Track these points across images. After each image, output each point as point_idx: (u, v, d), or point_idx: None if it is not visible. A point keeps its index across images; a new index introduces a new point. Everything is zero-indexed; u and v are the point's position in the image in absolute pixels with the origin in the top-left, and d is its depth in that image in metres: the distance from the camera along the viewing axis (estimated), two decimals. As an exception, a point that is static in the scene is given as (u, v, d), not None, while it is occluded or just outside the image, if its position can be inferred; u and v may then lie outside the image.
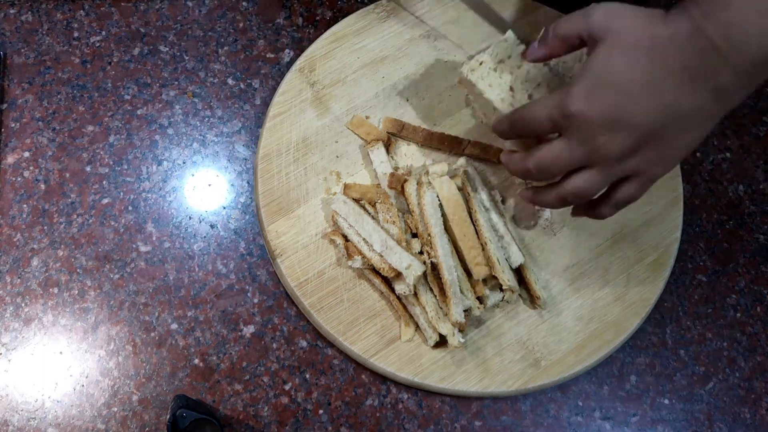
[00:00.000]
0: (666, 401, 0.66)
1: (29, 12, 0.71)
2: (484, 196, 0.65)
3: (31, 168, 0.67)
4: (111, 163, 0.68)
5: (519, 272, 0.64)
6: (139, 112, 0.69)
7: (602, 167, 0.49)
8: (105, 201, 0.66)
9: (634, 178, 0.51)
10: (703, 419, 0.66)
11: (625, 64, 0.46)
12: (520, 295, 0.65)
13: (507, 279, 0.61)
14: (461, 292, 0.61)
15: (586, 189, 0.51)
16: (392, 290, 0.62)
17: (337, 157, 0.67)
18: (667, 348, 0.67)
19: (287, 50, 0.73)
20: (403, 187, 0.64)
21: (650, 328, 0.68)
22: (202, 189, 0.68)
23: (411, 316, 0.62)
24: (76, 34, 0.71)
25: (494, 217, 0.64)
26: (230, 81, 0.71)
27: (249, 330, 0.64)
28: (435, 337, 0.61)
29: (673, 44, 0.45)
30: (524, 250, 0.65)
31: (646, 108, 0.46)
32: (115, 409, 0.61)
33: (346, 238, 0.63)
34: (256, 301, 0.65)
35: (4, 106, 0.68)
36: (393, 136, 0.68)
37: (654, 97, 0.46)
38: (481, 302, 0.62)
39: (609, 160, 0.49)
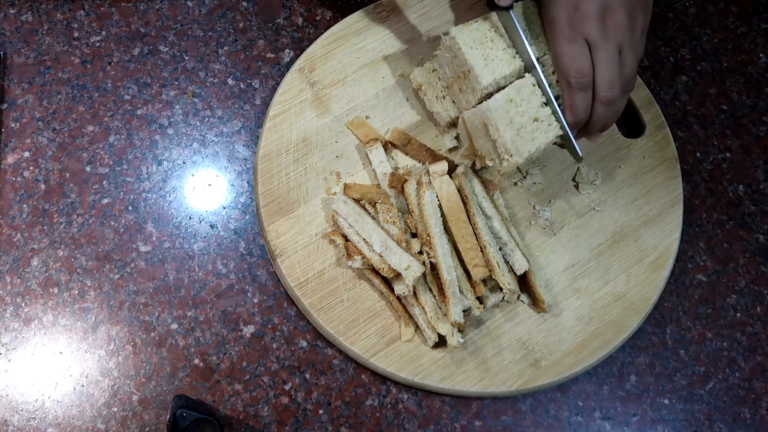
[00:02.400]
0: (666, 401, 0.66)
1: (29, 12, 0.71)
2: (484, 203, 0.64)
3: (31, 168, 0.67)
4: (111, 163, 0.68)
5: (523, 275, 0.64)
6: (139, 112, 0.69)
7: (607, 41, 0.56)
8: (105, 201, 0.66)
9: (625, 50, 0.57)
10: (703, 419, 0.66)
11: None
12: (521, 299, 0.64)
13: (507, 282, 0.61)
14: (461, 292, 0.61)
15: (613, 66, 0.56)
16: (392, 290, 0.62)
17: (337, 157, 0.67)
18: (667, 348, 0.67)
19: (287, 50, 0.73)
20: (403, 186, 0.64)
21: (650, 328, 0.68)
22: (202, 189, 0.68)
23: (411, 317, 0.62)
24: (76, 34, 0.71)
25: (496, 224, 0.64)
26: (230, 81, 0.71)
27: (249, 330, 0.64)
28: (434, 338, 0.61)
29: None
30: (525, 250, 0.65)
31: None
32: (115, 409, 0.61)
33: (346, 238, 0.63)
34: (256, 301, 0.65)
35: (4, 106, 0.68)
36: (395, 147, 0.68)
37: None
38: (480, 302, 0.62)
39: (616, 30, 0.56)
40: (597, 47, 0.56)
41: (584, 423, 0.64)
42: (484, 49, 0.61)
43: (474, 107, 0.62)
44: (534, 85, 0.60)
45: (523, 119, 0.59)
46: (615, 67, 0.56)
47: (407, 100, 0.70)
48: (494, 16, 0.61)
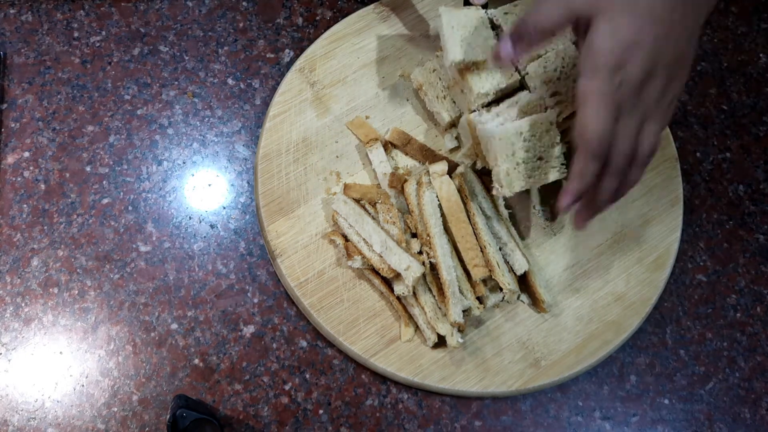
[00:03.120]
0: (666, 401, 0.66)
1: (29, 12, 0.71)
2: (484, 203, 0.64)
3: (31, 168, 0.67)
4: (111, 163, 0.68)
5: (523, 275, 0.64)
6: (139, 112, 0.69)
7: (633, 107, 0.50)
8: (105, 201, 0.66)
9: (652, 119, 0.51)
10: (703, 419, 0.66)
11: (633, 24, 0.48)
12: (521, 299, 0.64)
13: (507, 282, 0.61)
14: (461, 292, 0.61)
15: (633, 137, 0.51)
16: (392, 290, 0.62)
17: (337, 157, 0.67)
18: (667, 348, 0.67)
19: (287, 50, 0.73)
20: (403, 186, 0.64)
21: (650, 328, 0.68)
22: (202, 189, 0.68)
23: (411, 317, 0.62)
24: (76, 34, 0.71)
25: (496, 224, 0.64)
26: (230, 81, 0.71)
27: (249, 330, 0.64)
28: (434, 338, 0.61)
29: None
30: (525, 250, 0.65)
31: (673, 43, 0.50)
32: (115, 409, 0.61)
33: (346, 238, 0.63)
34: (256, 301, 0.65)
35: (4, 106, 0.68)
36: (394, 147, 0.68)
37: (671, 36, 0.49)
38: (480, 302, 0.62)
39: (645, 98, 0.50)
40: (623, 114, 0.49)
41: (584, 423, 0.64)
42: (464, 32, 0.61)
43: (474, 111, 0.62)
44: (552, 124, 0.58)
45: (527, 155, 0.58)
46: (634, 138, 0.50)
47: (407, 100, 0.70)
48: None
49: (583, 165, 0.51)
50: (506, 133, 0.57)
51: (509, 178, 0.58)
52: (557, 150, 0.58)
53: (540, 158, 0.58)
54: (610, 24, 0.48)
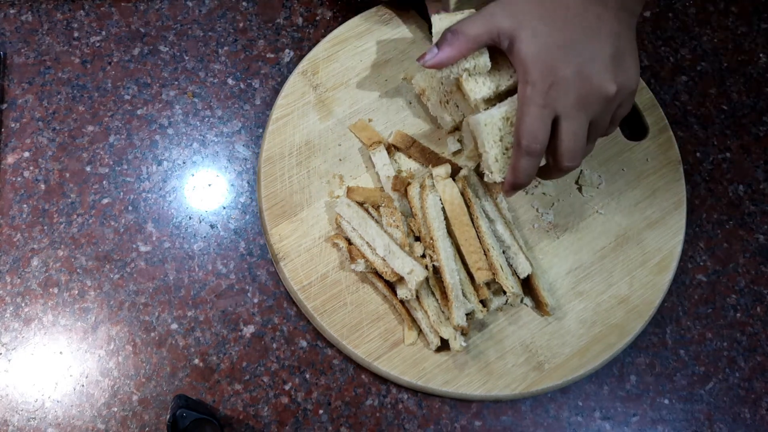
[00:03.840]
0: (666, 401, 0.66)
1: (29, 12, 0.71)
2: (488, 206, 0.64)
3: (31, 168, 0.67)
4: (111, 163, 0.68)
5: (526, 279, 0.64)
6: (139, 112, 0.69)
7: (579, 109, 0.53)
8: (105, 201, 0.66)
9: (597, 125, 0.55)
10: (703, 419, 0.66)
11: (553, 29, 0.52)
12: (525, 302, 0.64)
13: (511, 286, 0.61)
14: (464, 295, 0.61)
15: (579, 139, 0.54)
16: (395, 294, 0.61)
17: (340, 160, 0.67)
18: (667, 348, 0.67)
19: (287, 50, 0.73)
20: (406, 190, 0.64)
21: (650, 328, 0.68)
22: (202, 189, 0.68)
23: (414, 320, 0.62)
24: (76, 34, 0.71)
25: (500, 227, 0.63)
26: (230, 81, 0.71)
27: (249, 330, 0.64)
28: (437, 341, 0.61)
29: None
30: (528, 253, 0.65)
31: (605, 39, 0.53)
32: (115, 409, 0.61)
33: (349, 242, 0.63)
34: (256, 301, 0.65)
35: (4, 106, 0.68)
36: (397, 150, 0.67)
37: (597, 34, 0.53)
38: (484, 306, 0.62)
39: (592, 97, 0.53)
40: (567, 117, 0.53)
41: (584, 423, 0.64)
42: None
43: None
44: None
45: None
46: (582, 140, 0.54)
47: (410, 103, 0.70)
48: None
49: (515, 160, 0.55)
50: (491, 118, 0.57)
51: (498, 164, 0.58)
52: None
53: None
54: (532, 32, 0.52)
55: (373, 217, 0.63)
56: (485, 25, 0.54)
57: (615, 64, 0.53)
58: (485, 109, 0.62)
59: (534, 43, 0.52)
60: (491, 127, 0.57)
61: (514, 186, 0.56)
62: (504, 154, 0.58)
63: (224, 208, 0.67)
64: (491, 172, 0.59)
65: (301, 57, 0.71)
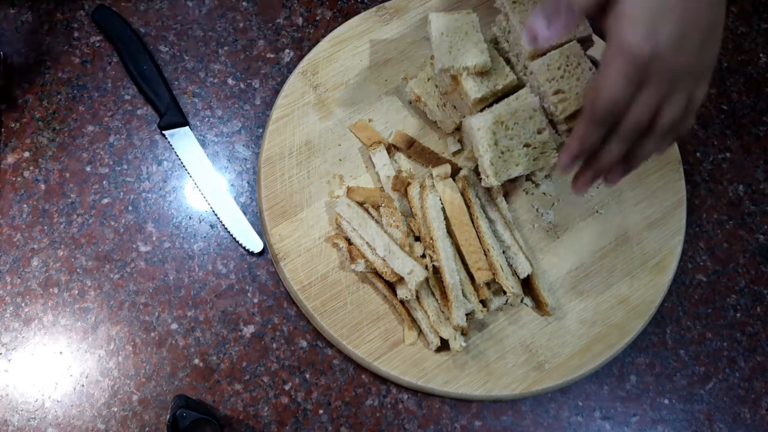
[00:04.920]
0: (666, 401, 0.66)
1: (29, 12, 0.71)
2: (488, 206, 0.64)
3: (31, 168, 0.67)
4: (111, 163, 0.68)
5: (526, 279, 0.64)
6: (139, 112, 0.69)
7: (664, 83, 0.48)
8: (105, 201, 0.66)
9: (678, 89, 0.49)
10: (703, 419, 0.66)
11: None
12: (525, 302, 0.64)
13: (511, 286, 0.61)
14: (464, 295, 0.61)
15: (652, 104, 0.49)
16: (395, 294, 0.61)
17: (340, 160, 0.67)
18: (667, 348, 0.67)
19: (287, 50, 0.73)
20: (406, 190, 0.64)
21: (650, 328, 0.68)
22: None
23: (414, 320, 0.62)
24: (76, 34, 0.71)
25: (499, 227, 0.63)
26: (230, 81, 0.71)
27: (249, 330, 0.64)
28: (437, 341, 0.61)
29: None
30: (528, 253, 0.65)
31: (706, 7, 0.48)
32: (115, 409, 0.61)
33: (349, 242, 0.63)
34: (256, 301, 0.65)
35: (4, 106, 0.68)
36: (398, 150, 0.67)
37: (699, 12, 0.47)
38: (484, 306, 0.62)
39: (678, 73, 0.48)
40: (648, 82, 0.47)
41: (584, 423, 0.64)
42: (454, 38, 0.61)
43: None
44: (535, 111, 0.58)
45: (512, 143, 0.58)
46: (653, 108, 0.48)
47: (410, 103, 0.70)
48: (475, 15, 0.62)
49: (584, 130, 0.50)
50: (486, 122, 0.57)
51: (494, 168, 0.58)
52: (545, 135, 0.59)
53: (527, 145, 0.59)
54: None
55: (373, 217, 0.63)
56: None
57: (710, 32, 0.48)
58: (480, 110, 0.62)
59: (639, 1, 0.46)
60: (484, 131, 0.57)
61: (576, 153, 0.51)
62: (500, 158, 0.58)
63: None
64: (487, 176, 0.59)
65: (301, 57, 0.71)
